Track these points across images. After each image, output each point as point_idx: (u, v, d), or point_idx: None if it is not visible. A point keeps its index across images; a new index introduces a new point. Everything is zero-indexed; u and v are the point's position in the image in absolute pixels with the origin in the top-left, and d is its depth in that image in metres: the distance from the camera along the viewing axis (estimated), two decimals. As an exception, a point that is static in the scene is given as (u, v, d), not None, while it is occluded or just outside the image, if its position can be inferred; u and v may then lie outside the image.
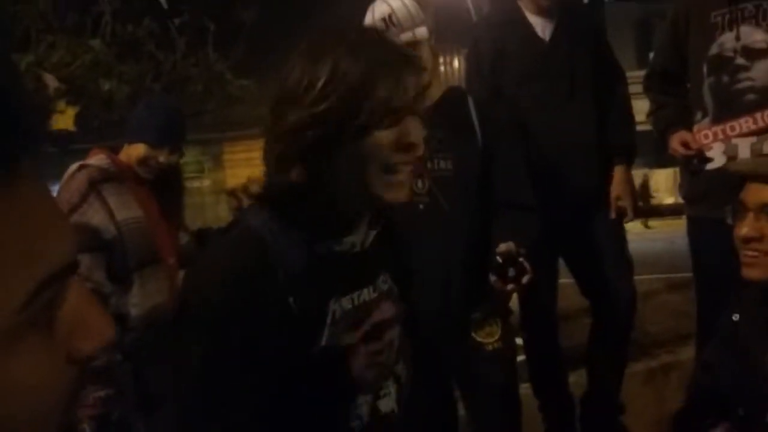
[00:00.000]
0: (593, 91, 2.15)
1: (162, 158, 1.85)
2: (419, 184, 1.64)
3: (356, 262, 0.88)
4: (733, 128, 1.88)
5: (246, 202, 0.94)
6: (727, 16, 1.88)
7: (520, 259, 1.44)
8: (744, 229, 1.17)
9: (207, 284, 0.82)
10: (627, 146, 2.21)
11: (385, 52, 0.83)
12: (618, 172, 2.17)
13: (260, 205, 0.86)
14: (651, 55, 2.32)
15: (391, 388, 0.91)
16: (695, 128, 1.99)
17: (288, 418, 0.81)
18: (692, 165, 2.02)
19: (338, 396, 0.85)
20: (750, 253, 1.18)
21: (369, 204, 0.86)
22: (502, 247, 1.47)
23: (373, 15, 1.63)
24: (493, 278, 1.46)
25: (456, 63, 12.43)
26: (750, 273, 1.19)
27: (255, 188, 0.88)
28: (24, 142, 0.33)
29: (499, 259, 1.45)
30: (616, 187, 2.16)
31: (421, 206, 1.63)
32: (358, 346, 0.86)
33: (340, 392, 0.85)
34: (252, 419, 0.80)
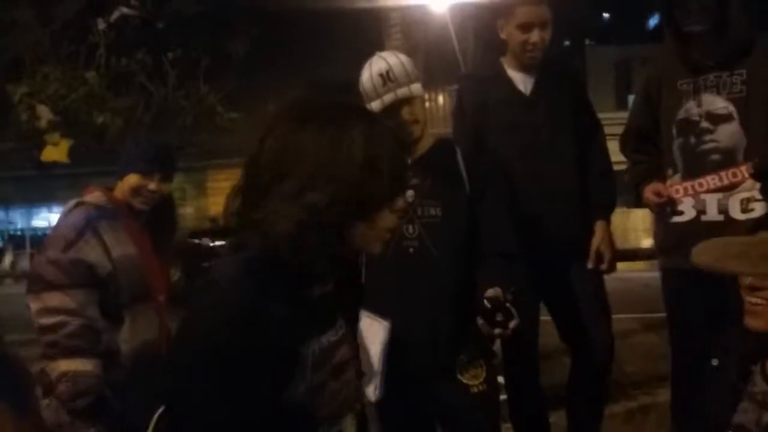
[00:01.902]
0: (573, 141, 2.25)
1: (153, 186, 1.89)
2: (410, 229, 1.71)
3: (323, 305, 0.96)
4: (701, 185, 2.01)
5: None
6: (692, 85, 2.02)
7: (507, 305, 1.50)
8: (749, 279, 1.18)
9: (200, 332, 0.86)
10: (607, 204, 2.31)
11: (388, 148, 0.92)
12: (599, 227, 2.26)
13: (236, 257, 0.93)
14: (629, 97, 2.46)
15: (350, 423, 0.99)
16: (668, 182, 2.11)
17: None
18: (665, 213, 2.12)
19: (306, 430, 0.91)
20: (755, 300, 1.17)
21: (342, 258, 0.94)
22: (490, 292, 1.53)
23: (371, 71, 1.72)
24: (480, 322, 1.51)
25: (441, 100, 12.69)
26: (753, 323, 1.18)
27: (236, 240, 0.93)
28: None
29: (487, 304, 1.51)
30: (597, 242, 2.24)
31: (411, 250, 1.70)
32: (327, 383, 0.93)
33: (308, 426, 0.91)
34: None
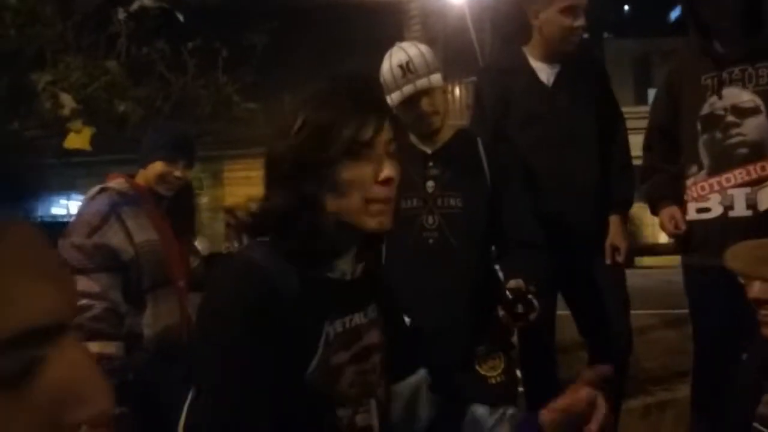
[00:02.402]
0: (594, 134, 2.23)
1: (178, 173, 1.92)
2: (429, 220, 1.71)
3: (347, 290, 0.97)
4: (728, 180, 1.98)
5: (241, 216, 1.04)
6: (716, 79, 1.99)
7: (529, 296, 1.50)
8: (755, 292, 1.17)
9: (221, 310, 0.89)
10: (625, 199, 2.29)
11: (349, 98, 0.95)
12: (614, 222, 2.24)
13: (255, 237, 0.96)
14: (649, 91, 2.43)
15: (372, 406, 0.98)
16: (692, 180, 2.07)
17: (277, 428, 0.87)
18: (678, 242, 2.13)
19: (324, 409, 0.92)
20: (765, 312, 1.17)
21: (353, 232, 0.95)
22: (512, 283, 1.53)
23: (391, 62, 1.71)
24: (501, 313, 1.51)
25: (457, 92, 12.62)
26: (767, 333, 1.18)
27: (245, 214, 0.98)
28: (18, 197, 0.33)
29: (509, 295, 1.51)
30: (612, 237, 2.23)
31: (430, 241, 1.70)
32: (347, 366, 0.94)
33: (325, 406, 0.92)
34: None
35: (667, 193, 2.15)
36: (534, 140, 2.18)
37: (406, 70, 1.68)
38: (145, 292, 1.82)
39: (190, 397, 0.96)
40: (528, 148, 2.16)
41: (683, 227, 2.06)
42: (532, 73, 2.23)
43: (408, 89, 1.69)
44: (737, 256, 1.25)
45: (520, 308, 1.49)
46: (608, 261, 2.22)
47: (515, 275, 1.58)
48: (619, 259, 2.23)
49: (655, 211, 2.19)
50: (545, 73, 2.23)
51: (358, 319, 0.98)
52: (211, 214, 12.11)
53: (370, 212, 0.93)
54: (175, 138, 1.96)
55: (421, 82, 1.69)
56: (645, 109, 2.45)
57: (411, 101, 1.70)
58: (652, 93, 2.41)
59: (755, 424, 1.21)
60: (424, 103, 1.70)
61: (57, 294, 0.33)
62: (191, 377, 0.92)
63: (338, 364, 0.92)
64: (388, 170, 0.93)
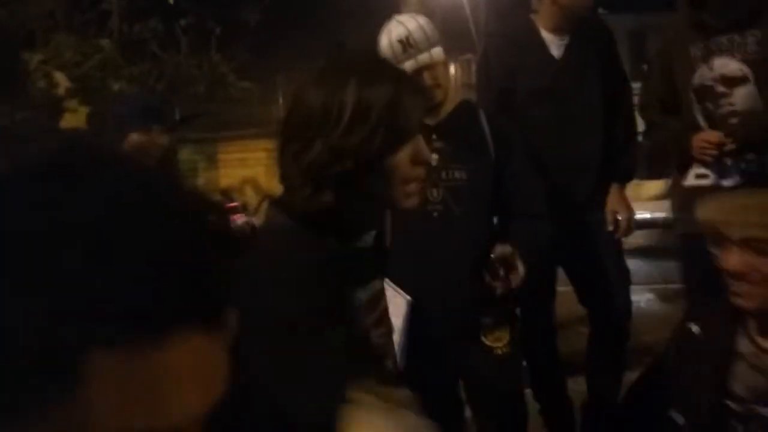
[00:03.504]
0: (601, 108, 2.21)
1: (158, 140, 1.85)
2: (434, 192, 1.70)
3: (369, 257, 0.98)
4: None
5: (256, 199, 1.01)
6: (704, 50, 1.97)
7: (514, 262, 1.53)
8: (731, 264, 1.13)
9: (274, 273, 0.86)
10: (629, 169, 2.29)
11: (399, 79, 0.92)
12: (616, 189, 2.24)
13: (287, 215, 0.92)
14: (644, 67, 2.41)
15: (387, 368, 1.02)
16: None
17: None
18: (687, 176, 2.06)
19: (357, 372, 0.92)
20: (737, 284, 1.14)
21: (385, 212, 0.95)
22: (498, 249, 1.55)
23: (390, 37, 1.69)
24: (486, 277, 1.53)
25: (452, 69, 12.54)
26: (740, 303, 1.15)
27: (280, 204, 0.93)
28: (197, 305, 0.32)
29: (494, 260, 1.54)
30: (614, 204, 2.23)
31: (435, 214, 1.70)
32: (372, 330, 0.97)
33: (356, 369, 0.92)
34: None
35: (688, 131, 2.04)
36: (540, 115, 2.16)
37: (407, 45, 1.66)
38: None
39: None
40: (534, 122, 2.15)
41: (719, 141, 1.92)
42: (542, 46, 2.20)
43: (409, 65, 1.66)
44: (712, 206, 1.21)
45: (502, 273, 1.51)
46: (610, 227, 2.23)
47: (519, 245, 1.59)
48: (622, 226, 2.23)
49: (677, 152, 2.08)
50: (555, 45, 2.19)
51: (378, 284, 1.00)
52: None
53: (406, 192, 0.93)
54: (144, 103, 1.88)
55: (423, 57, 1.66)
56: (638, 86, 2.42)
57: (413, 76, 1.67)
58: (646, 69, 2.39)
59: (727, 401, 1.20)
60: (426, 77, 1.68)
61: (203, 400, 0.34)
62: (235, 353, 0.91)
63: (366, 327, 0.95)
64: (425, 151, 0.92)
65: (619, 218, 2.23)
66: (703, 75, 1.98)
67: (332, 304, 0.86)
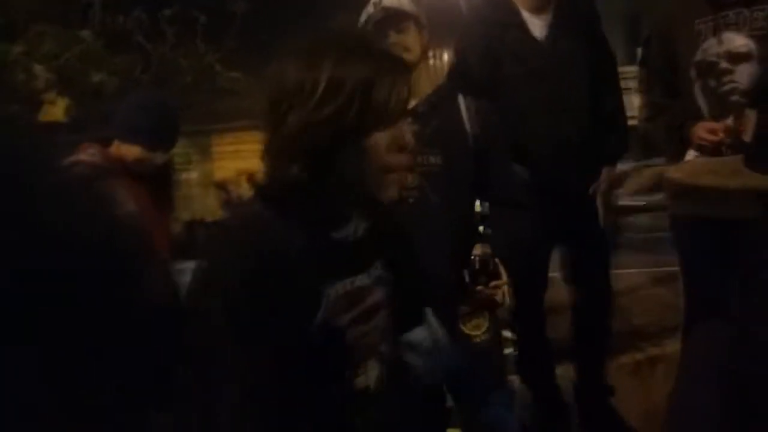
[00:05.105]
0: (588, 89, 2.15)
1: (158, 160, 1.85)
2: (409, 178, 1.66)
3: (351, 251, 0.93)
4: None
5: (236, 194, 0.99)
6: (711, 24, 1.92)
7: (494, 264, 1.50)
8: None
9: (220, 262, 0.86)
10: (619, 152, 2.27)
11: (380, 58, 0.88)
12: (605, 170, 2.23)
13: (260, 197, 0.90)
14: (638, 50, 2.37)
15: (373, 366, 0.96)
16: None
17: (278, 392, 0.84)
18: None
19: (328, 373, 0.90)
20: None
21: (363, 201, 0.92)
22: (479, 248, 1.52)
23: (367, 7, 1.64)
24: (467, 278, 1.50)
25: (446, 57, 12.46)
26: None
27: (256, 182, 0.92)
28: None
29: (476, 261, 1.50)
30: (604, 183, 2.22)
31: (410, 200, 1.65)
32: (347, 329, 0.91)
33: (327, 369, 0.89)
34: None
35: (690, 116, 1.99)
36: (525, 99, 2.11)
37: (378, 4, 1.60)
38: None
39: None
40: (519, 107, 2.09)
41: (723, 132, 1.86)
42: (523, 26, 2.13)
43: (376, 14, 1.59)
44: (683, 168, 1.24)
45: (482, 278, 1.49)
46: (599, 204, 2.21)
47: (499, 236, 1.56)
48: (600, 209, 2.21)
49: (681, 139, 2.02)
50: (537, 26, 2.13)
51: (361, 281, 0.94)
52: (201, 189, 12.01)
53: (386, 182, 0.88)
54: (158, 122, 1.84)
55: (389, 1, 1.59)
56: (634, 69, 2.38)
57: (378, 32, 1.59)
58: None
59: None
60: (393, 37, 1.61)
61: None
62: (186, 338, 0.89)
63: (339, 326, 0.90)
64: (407, 138, 0.88)
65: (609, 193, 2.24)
66: (707, 50, 1.93)
67: (282, 296, 0.82)
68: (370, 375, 0.95)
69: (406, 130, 0.88)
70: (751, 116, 1.68)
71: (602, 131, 2.19)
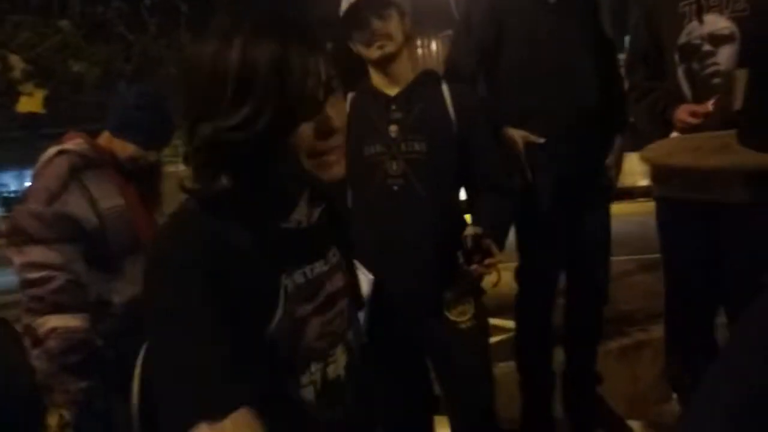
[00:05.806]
0: (597, 56, 2.08)
1: (150, 158, 1.83)
2: (393, 166, 1.64)
3: (305, 238, 0.90)
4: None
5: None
6: (694, 6, 1.92)
7: (487, 243, 1.48)
8: None
9: (164, 261, 0.80)
10: (625, 124, 2.22)
11: (288, 36, 0.78)
12: (617, 139, 2.21)
13: (194, 200, 0.85)
14: (626, 39, 2.33)
15: (341, 354, 0.94)
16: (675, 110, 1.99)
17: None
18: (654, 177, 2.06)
19: (293, 366, 0.87)
20: None
21: (305, 183, 0.88)
22: (470, 230, 1.51)
23: None
24: (461, 259, 1.49)
25: (434, 46, 12.41)
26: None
27: (185, 189, 0.85)
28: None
29: (468, 242, 1.49)
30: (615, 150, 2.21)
31: (395, 188, 1.64)
32: (312, 317, 0.88)
33: (295, 362, 0.87)
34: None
35: (672, 100, 1.97)
36: (531, 65, 2.02)
37: None
38: (113, 260, 1.75)
39: (142, 352, 0.90)
40: (525, 73, 2.02)
41: (703, 112, 1.85)
42: None
43: (358, 1, 1.54)
44: (657, 147, 1.20)
45: (476, 256, 1.47)
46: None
47: (485, 221, 1.55)
48: (612, 184, 2.20)
49: (665, 123, 1.99)
50: None
51: (319, 267, 0.92)
52: (189, 182, 11.93)
53: (320, 166, 0.82)
54: (156, 122, 1.81)
55: None
56: (621, 57, 2.34)
57: (358, 16, 1.56)
58: (628, 40, 2.29)
59: None
60: (375, 24, 1.57)
61: None
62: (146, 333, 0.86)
63: (302, 316, 0.87)
64: (333, 120, 0.80)
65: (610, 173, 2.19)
66: (690, 33, 1.92)
67: (233, 295, 0.78)
68: (339, 363, 0.93)
69: (335, 112, 0.81)
70: (741, 77, 1.64)
71: (612, 97, 2.11)
